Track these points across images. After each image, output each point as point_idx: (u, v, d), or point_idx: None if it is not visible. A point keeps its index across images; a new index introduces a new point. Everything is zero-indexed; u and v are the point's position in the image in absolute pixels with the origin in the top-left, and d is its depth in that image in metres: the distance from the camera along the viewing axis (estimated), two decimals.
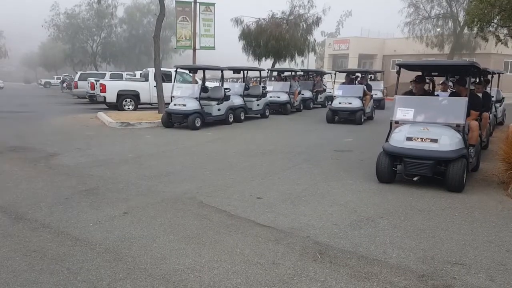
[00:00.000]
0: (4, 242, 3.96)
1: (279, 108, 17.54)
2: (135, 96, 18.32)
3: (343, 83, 15.97)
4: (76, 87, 25.72)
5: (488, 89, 10.72)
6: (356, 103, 14.10)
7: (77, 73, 29.29)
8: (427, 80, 7.99)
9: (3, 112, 17.41)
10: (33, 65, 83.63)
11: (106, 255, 3.70)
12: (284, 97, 17.56)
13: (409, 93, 7.15)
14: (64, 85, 39.89)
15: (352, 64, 41.61)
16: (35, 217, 4.62)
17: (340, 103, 14.39)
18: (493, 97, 11.08)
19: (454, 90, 9.59)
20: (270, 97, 17.30)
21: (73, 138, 10.57)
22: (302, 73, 22.66)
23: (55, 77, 61.41)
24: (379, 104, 20.35)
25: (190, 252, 3.80)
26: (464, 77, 7.20)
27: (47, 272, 3.37)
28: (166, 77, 17.57)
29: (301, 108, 19.14)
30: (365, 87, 15.24)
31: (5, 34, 66.75)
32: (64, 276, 3.31)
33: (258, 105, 15.75)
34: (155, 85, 16.14)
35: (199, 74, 15.64)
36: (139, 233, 4.23)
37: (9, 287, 3.13)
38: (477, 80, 9.59)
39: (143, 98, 18.53)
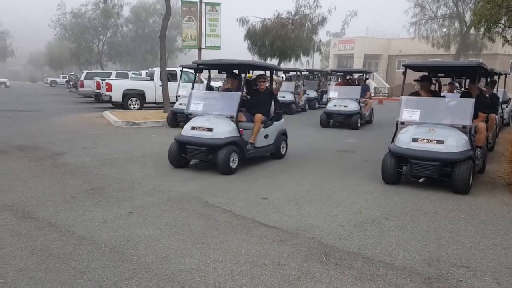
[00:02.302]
0: (10, 240, 3.98)
1: (284, 108, 17.52)
2: (140, 95, 18.38)
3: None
4: (82, 86, 25.84)
5: (495, 90, 10.67)
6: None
7: (83, 72, 29.42)
8: (433, 81, 7.95)
9: (10, 110, 17.53)
10: (40, 64, 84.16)
11: (112, 254, 3.71)
12: (289, 97, 17.53)
13: (415, 94, 7.12)
14: (70, 84, 40.06)
15: (357, 64, 41.54)
16: (42, 216, 4.65)
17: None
18: (499, 98, 11.03)
19: (460, 91, 9.57)
20: None
21: (79, 137, 10.62)
22: (307, 73, 22.64)
23: (61, 76, 61.77)
24: None
25: (195, 252, 3.81)
26: (474, 77, 7.19)
27: (53, 271, 3.39)
28: (172, 77, 17.61)
29: (306, 108, 19.13)
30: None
31: (12, 33, 67.28)
32: (70, 275, 3.33)
33: None
34: (160, 84, 16.18)
35: (205, 73, 15.63)
36: (144, 232, 4.24)
37: (16, 286, 3.15)
38: (485, 81, 9.54)
39: (149, 97, 18.58)
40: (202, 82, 17.75)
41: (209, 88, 13.59)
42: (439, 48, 35.01)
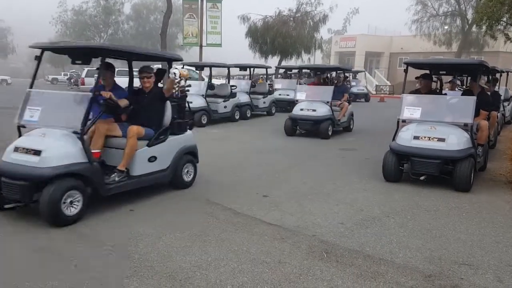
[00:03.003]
0: (13, 238, 3.99)
1: (287, 106, 17.43)
2: None
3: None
4: (83, 83, 25.83)
5: (496, 88, 10.65)
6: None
7: (84, 69, 29.41)
8: (435, 79, 7.94)
9: (11, 108, 17.52)
10: (41, 62, 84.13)
11: (113, 252, 3.72)
12: (293, 95, 17.45)
13: (417, 91, 7.11)
14: (71, 81, 40.06)
15: (359, 61, 41.45)
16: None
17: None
18: (501, 95, 11.01)
19: (461, 89, 9.55)
20: (279, 94, 17.23)
21: None
22: (308, 70, 22.62)
23: (62, 73, 61.72)
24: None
25: (196, 250, 3.81)
26: (476, 75, 7.17)
27: (54, 269, 3.40)
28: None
29: None
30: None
31: (13, 30, 67.23)
32: (71, 273, 3.33)
33: (264, 102, 15.73)
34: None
35: (206, 71, 15.63)
36: (145, 230, 4.24)
37: (17, 283, 3.15)
38: (486, 79, 9.52)
39: None
40: (203, 79, 17.74)
41: (210, 86, 13.67)
42: (441, 45, 34.90)
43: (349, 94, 16.49)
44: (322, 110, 10.61)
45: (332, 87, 11.14)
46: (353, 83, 25.69)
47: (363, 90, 26.13)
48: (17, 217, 4.52)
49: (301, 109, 10.82)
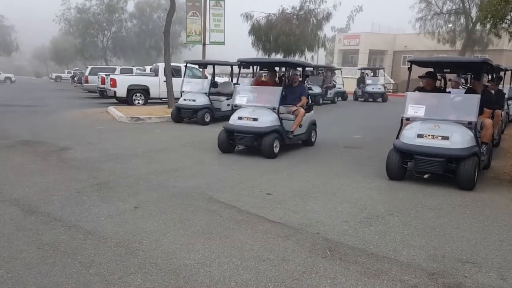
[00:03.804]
0: (17, 235, 4.01)
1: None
2: (145, 91, 18.39)
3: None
4: (86, 81, 25.91)
5: (500, 86, 10.60)
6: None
7: (87, 67, 29.48)
8: (439, 77, 7.92)
9: (15, 106, 17.60)
10: (44, 59, 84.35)
11: (118, 249, 3.74)
12: None
13: (421, 89, 7.09)
14: (75, 79, 40.16)
15: (362, 59, 41.38)
16: (47, 211, 4.68)
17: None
18: (505, 94, 10.96)
19: (466, 87, 9.52)
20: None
21: (84, 132, 10.66)
22: (311, 68, 22.58)
23: (66, 71, 61.92)
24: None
25: (200, 247, 3.82)
26: (479, 73, 7.15)
27: (59, 265, 3.41)
28: (176, 72, 17.62)
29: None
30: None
31: (17, 28, 67.43)
32: (76, 269, 3.35)
33: None
34: (165, 80, 16.19)
35: (209, 69, 15.63)
36: (149, 227, 4.26)
37: (23, 280, 3.17)
38: (490, 77, 9.48)
39: (153, 93, 18.60)
40: (206, 77, 17.76)
41: (214, 84, 13.67)
42: (445, 44, 34.77)
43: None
44: (266, 119, 7.96)
45: (280, 88, 8.37)
46: (368, 81, 24.84)
47: (380, 89, 24.38)
48: (22, 213, 4.55)
49: (239, 118, 8.18)
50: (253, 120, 7.98)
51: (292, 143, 8.72)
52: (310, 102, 9.60)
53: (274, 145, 7.72)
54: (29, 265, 3.40)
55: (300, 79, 9.53)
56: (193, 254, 3.67)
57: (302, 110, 8.71)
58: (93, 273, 3.29)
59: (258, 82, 9.90)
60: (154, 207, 4.91)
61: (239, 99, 8.59)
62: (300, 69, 9.96)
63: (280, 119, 8.18)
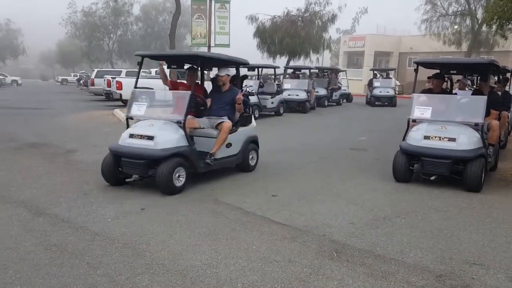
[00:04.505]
0: (25, 236, 4.04)
1: (297, 106, 17.39)
2: None
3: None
4: (92, 84, 26.02)
5: (507, 88, 10.54)
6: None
7: (93, 70, 29.62)
8: (445, 78, 7.90)
9: (22, 108, 17.73)
10: (51, 63, 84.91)
11: (125, 250, 3.75)
12: (303, 95, 17.38)
13: (427, 91, 7.07)
14: (81, 82, 40.36)
15: (368, 61, 41.30)
16: (55, 212, 4.71)
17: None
18: None
19: (472, 88, 9.48)
20: (288, 95, 17.19)
21: (90, 134, 10.72)
22: (316, 70, 22.56)
23: (72, 74, 62.25)
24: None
25: (206, 248, 3.83)
26: (486, 74, 7.13)
27: (67, 266, 3.43)
28: (181, 75, 17.66)
29: (315, 106, 19.05)
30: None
31: (23, 32, 67.98)
32: (83, 270, 3.37)
33: (272, 102, 15.74)
34: None
35: (214, 71, 15.64)
36: (156, 229, 4.28)
37: (31, 281, 3.19)
38: (497, 78, 9.44)
39: None
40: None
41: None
42: (451, 45, 34.62)
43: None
44: (164, 138, 5.60)
45: (188, 92, 5.91)
46: (376, 84, 22.36)
47: (389, 92, 21.63)
48: (30, 214, 4.58)
49: (131, 135, 5.81)
50: (147, 139, 5.58)
51: (214, 169, 6.23)
52: (248, 112, 6.97)
53: (175, 175, 5.40)
54: (37, 266, 3.43)
55: (237, 81, 7.12)
56: (199, 255, 3.68)
57: (226, 124, 6.24)
58: (101, 274, 3.31)
59: (172, 83, 7.18)
60: (161, 208, 4.93)
61: (135, 109, 6.20)
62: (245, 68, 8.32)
63: (191, 137, 5.93)
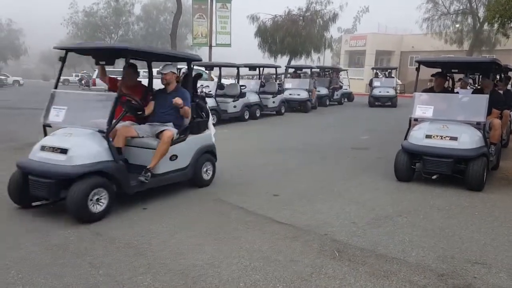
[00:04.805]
0: (27, 236, 4.04)
1: (298, 106, 17.38)
2: None
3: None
4: (94, 84, 26.09)
5: (509, 86, 10.51)
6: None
7: (95, 70, 29.65)
8: (447, 77, 7.90)
9: (23, 108, 17.74)
10: (52, 63, 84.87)
11: (127, 250, 3.76)
12: (304, 95, 17.36)
13: (429, 90, 7.06)
14: (83, 82, 40.41)
15: (369, 60, 41.25)
16: (56, 212, 4.70)
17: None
18: None
19: (474, 87, 9.46)
20: (290, 94, 17.19)
21: None
22: (318, 70, 22.53)
23: (74, 74, 62.29)
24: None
25: (208, 248, 3.83)
26: (488, 73, 7.12)
27: (69, 266, 3.44)
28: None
29: (316, 105, 19.02)
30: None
31: (24, 32, 68.06)
32: (85, 270, 3.37)
33: (273, 102, 15.74)
34: None
35: (215, 71, 15.67)
36: (158, 228, 4.28)
37: (33, 281, 3.20)
38: (498, 77, 9.42)
39: None
40: (213, 79, 17.79)
41: (220, 86, 13.70)
42: (452, 44, 34.58)
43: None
44: (80, 152, 4.49)
45: (114, 94, 4.78)
46: (376, 83, 21.43)
47: (389, 92, 20.64)
48: (33, 215, 4.58)
49: (42, 148, 4.80)
50: (60, 152, 4.45)
51: (155, 187, 5.20)
52: (204, 116, 5.98)
53: (91, 199, 4.27)
54: (38, 266, 3.43)
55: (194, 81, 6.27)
56: (201, 254, 3.68)
57: (167, 133, 5.19)
58: (103, 274, 3.31)
59: (111, 80, 6.16)
60: (162, 208, 4.93)
61: (53, 114, 5.11)
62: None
63: (118, 149, 4.83)
